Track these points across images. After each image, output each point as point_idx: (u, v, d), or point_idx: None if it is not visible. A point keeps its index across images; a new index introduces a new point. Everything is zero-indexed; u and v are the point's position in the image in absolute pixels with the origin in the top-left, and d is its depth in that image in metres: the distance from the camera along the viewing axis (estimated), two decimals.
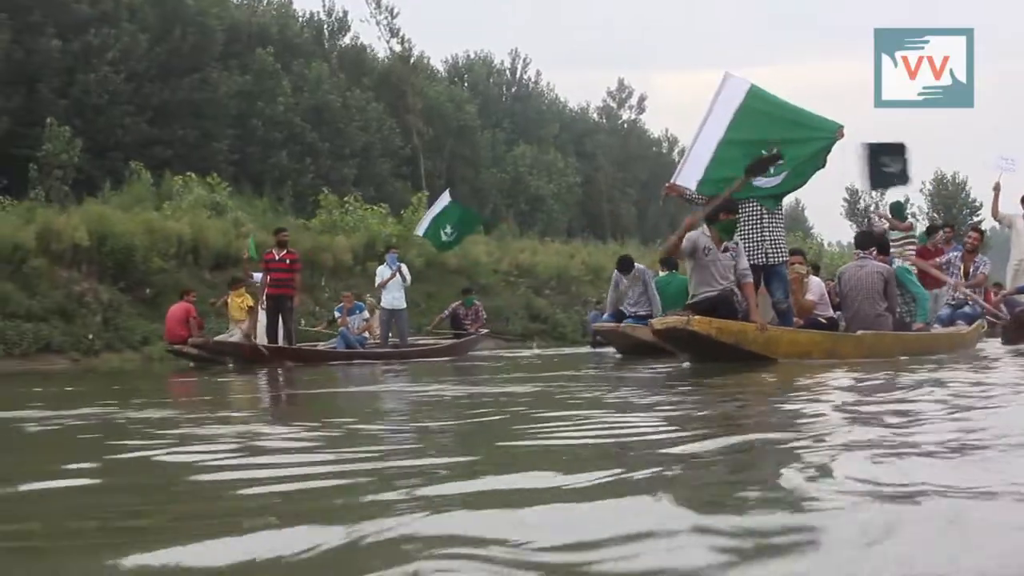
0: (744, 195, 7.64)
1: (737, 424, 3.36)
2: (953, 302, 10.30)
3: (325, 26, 40.77)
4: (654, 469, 2.15)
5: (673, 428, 3.14)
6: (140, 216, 18.32)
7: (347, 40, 41.16)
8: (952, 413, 3.21)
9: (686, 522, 1.50)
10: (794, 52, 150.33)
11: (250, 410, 5.31)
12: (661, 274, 11.71)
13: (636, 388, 5.44)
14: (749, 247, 7.62)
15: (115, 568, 1.37)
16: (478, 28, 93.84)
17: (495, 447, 2.73)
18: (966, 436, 2.59)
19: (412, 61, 39.51)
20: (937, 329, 9.39)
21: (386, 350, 13.25)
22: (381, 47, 40.98)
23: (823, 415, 3.47)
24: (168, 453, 2.78)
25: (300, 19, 39.48)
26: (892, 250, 9.86)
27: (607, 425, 3.26)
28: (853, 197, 45.42)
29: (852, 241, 10.62)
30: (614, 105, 54.05)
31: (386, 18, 38.93)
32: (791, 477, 1.98)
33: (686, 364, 7.30)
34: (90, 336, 15.53)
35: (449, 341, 14.71)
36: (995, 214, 11.58)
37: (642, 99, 54.39)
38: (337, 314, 14.46)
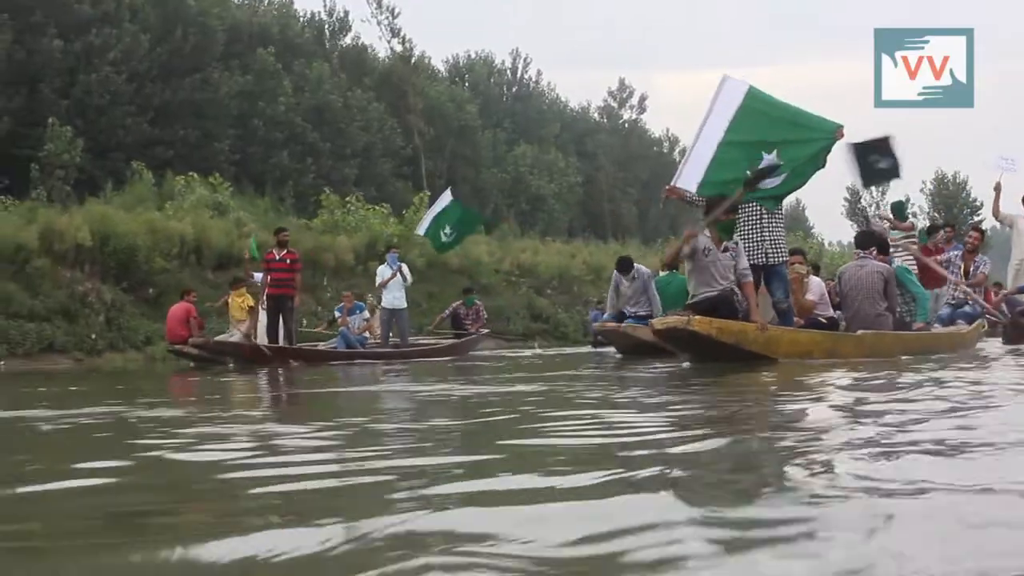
0: (745, 197, 7.65)
1: (738, 423, 3.38)
2: (953, 301, 10.31)
3: (326, 26, 40.78)
4: (656, 468, 2.17)
5: (674, 427, 3.16)
6: (142, 216, 18.35)
7: (348, 40, 41.19)
8: (952, 412, 3.22)
9: (688, 521, 1.52)
10: (795, 52, 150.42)
11: (257, 409, 5.33)
12: (661, 274, 11.72)
13: (637, 388, 5.46)
14: (749, 247, 7.62)
15: (118, 568, 1.39)
16: (479, 28, 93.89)
17: (503, 446, 2.74)
18: (966, 435, 2.61)
19: (413, 61, 39.49)
20: (937, 329, 9.40)
21: (387, 350, 13.26)
22: (382, 47, 41.02)
23: (824, 414, 3.50)
24: (181, 451, 2.80)
25: (301, 19, 39.48)
26: (893, 249, 9.88)
27: (609, 424, 3.29)
28: (854, 197, 45.38)
29: (852, 241, 10.63)
30: (615, 105, 54.03)
31: (387, 18, 38.95)
32: (792, 476, 2.01)
33: (686, 364, 7.30)
34: (93, 336, 15.56)
35: (449, 341, 14.71)
36: (996, 214, 11.58)
37: (643, 99, 54.41)
38: (337, 314, 14.47)
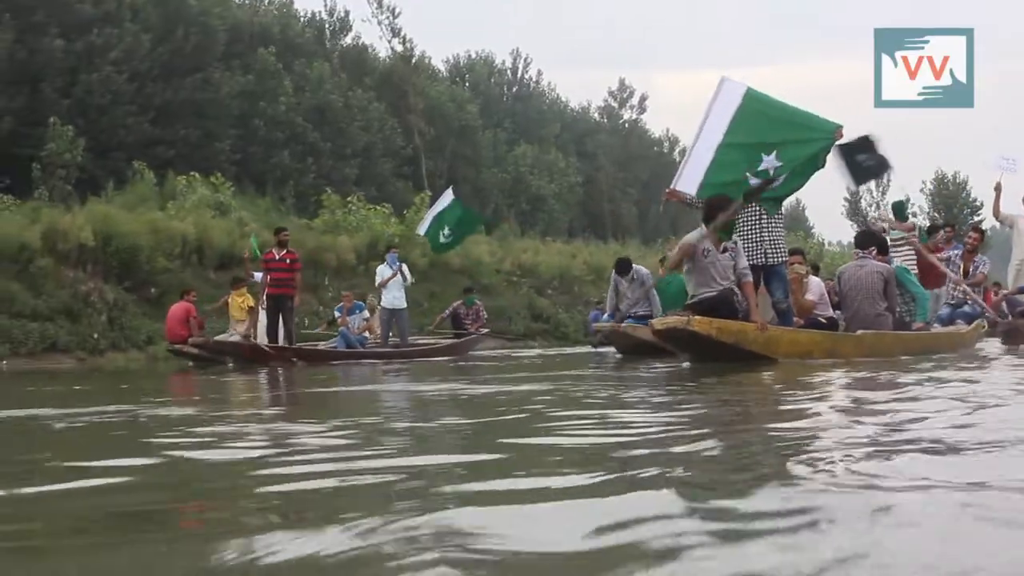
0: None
1: (738, 423, 3.41)
2: (952, 301, 10.33)
3: (327, 26, 40.82)
4: (657, 467, 2.19)
5: (674, 427, 3.18)
6: (145, 216, 18.39)
7: (349, 40, 41.24)
8: (951, 412, 3.23)
9: (688, 518, 1.55)
10: (795, 52, 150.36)
11: (266, 408, 5.34)
12: (661, 273, 11.73)
13: (637, 388, 5.47)
14: (748, 247, 7.61)
15: (139, 566, 1.40)
16: (479, 28, 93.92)
17: (514, 445, 2.74)
18: (965, 434, 2.62)
19: (413, 61, 39.51)
20: (937, 329, 9.42)
21: (387, 350, 13.29)
22: (383, 47, 41.06)
23: (823, 414, 3.52)
24: (197, 450, 2.81)
25: (302, 19, 39.52)
26: (894, 249, 9.90)
27: (611, 424, 3.31)
28: (854, 197, 45.41)
29: (852, 241, 10.65)
30: (615, 105, 54.05)
31: (387, 18, 38.97)
32: (792, 475, 2.03)
33: (685, 364, 7.30)
34: (95, 336, 15.60)
35: (449, 341, 14.73)
36: (996, 214, 11.59)
37: (643, 99, 54.43)
38: (337, 314, 14.48)
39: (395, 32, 39.08)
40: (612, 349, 11.60)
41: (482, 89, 46.51)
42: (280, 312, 12.44)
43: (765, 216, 7.80)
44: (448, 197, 14.89)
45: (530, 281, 25.49)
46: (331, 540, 1.44)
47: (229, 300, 13.66)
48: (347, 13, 41.09)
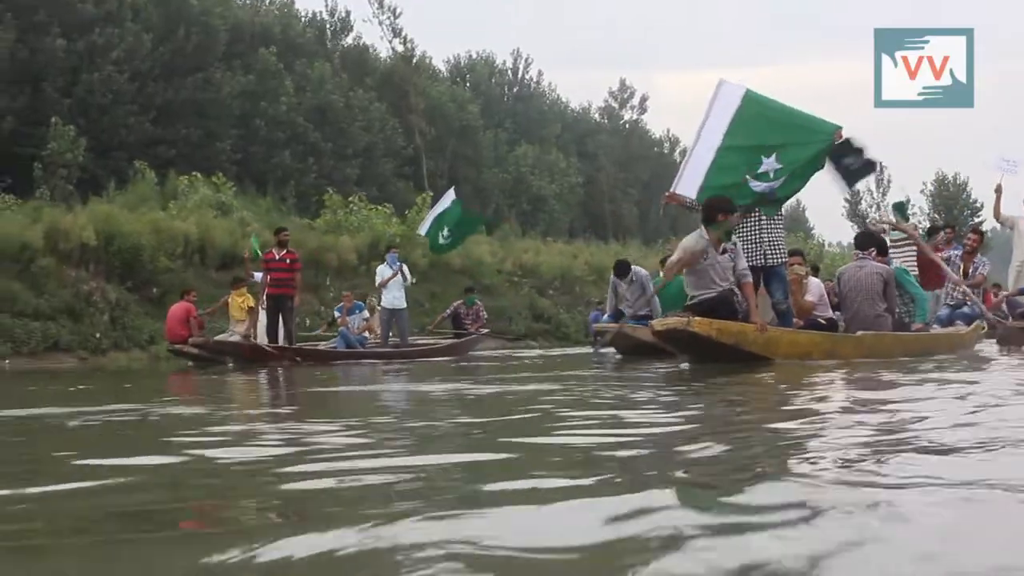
0: (745, 202, 7.67)
1: (738, 423, 3.43)
2: (952, 302, 10.35)
3: (328, 26, 40.87)
4: (660, 466, 2.23)
5: (676, 427, 3.20)
6: (147, 216, 18.43)
7: (350, 40, 41.30)
8: (950, 412, 3.23)
9: (688, 516, 1.58)
10: (796, 52, 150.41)
11: (275, 407, 5.34)
12: (661, 275, 11.75)
13: (638, 389, 5.48)
14: (748, 249, 7.60)
15: (142, 568, 1.42)
16: (480, 28, 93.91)
17: (519, 444, 2.76)
18: (964, 434, 2.64)
19: (414, 61, 39.54)
20: (936, 330, 9.44)
21: (387, 350, 13.30)
22: (383, 47, 41.09)
23: (823, 414, 3.54)
24: (215, 448, 2.83)
25: (303, 19, 39.56)
26: (891, 251, 9.92)
27: (613, 424, 3.35)
28: (854, 198, 45.43)
29: (852, 242, 10.66)
30: (616, 105, 54.08)
31: (388, 18, 38.99)
32: (792, 474, 2.06)
33: (684, 365, 7.31)
34: (97, 335, 15.63)
35: (449, 341, 14.75)
36: (997, 215, 11.61)
37: (644, 99, 54.48)
38: (337, 314, 14.50)
39: (396, 32, 39.16)
40: (612, 349, 11.61)
41: (483, 89, 46.53)
42: (280, 312, 12.44)
43: (764, 218, 7.79)
44: (449, 198, 14.89)
45: (531, 281, 25.52)
46: (337, 539, 1.44)
47: (229, 300, 13.68)
48: (348, 13, 41.21)
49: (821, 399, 4.30)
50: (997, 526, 1.54)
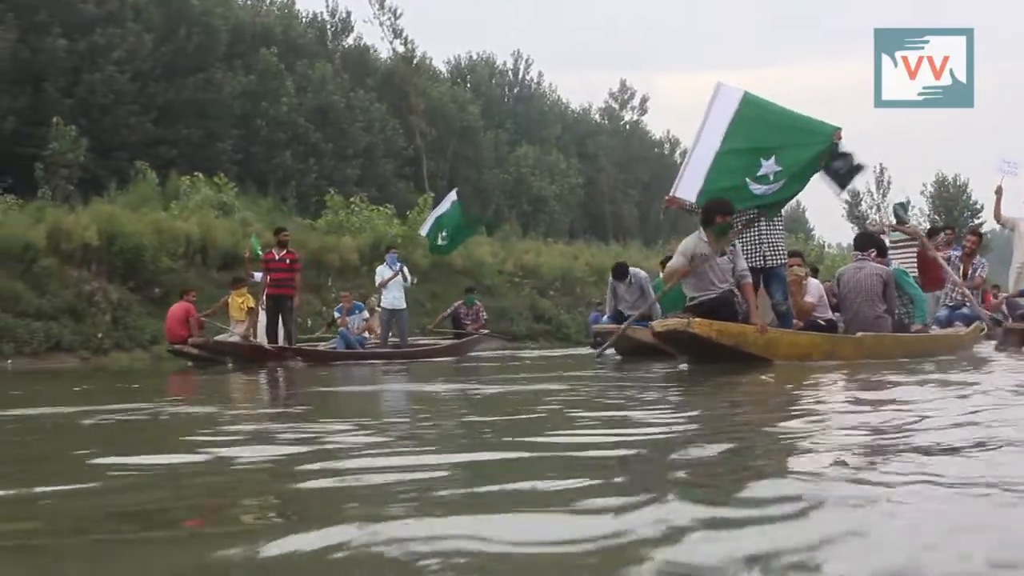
0: (745, 204, 7.68)
1: (737, 423, 3.46)
2: (951, 303, 10.37)
3: (328, 26, 40.91)
4: (661, 464, 2.26)
5: (676, 427, 3.23)
6: (149, 216, 18.46)
7: (350, 41, 41.35)
8: (949, 412, 3.25)
9: (688, 515, 1.61)
10: (796, 53, 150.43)
11: (282, 408, 5.34)
12: (661, 275, 11.76)
13: (638, 389, 5.51)
14: (747, 250, 7.61)
15: (136, 568, 1.43)
16: (481, 29, 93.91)
17: (525, 444, 2.77)
18: (963, 434, 2.66)
19: (415, 62, 39.57)
20: (935, 331, 9.46)
21: (387, 350, 13.32)
22: (384, 48, 41.12)
23: (822, 415, 3.57)
24: (232, 447, 2.86)
25: (303, 19, 39.61)
26: (891, 252, 9.94)
27: (614, 424, 3.39)
28: (854, 199, 45.46)
29: (852, 243, 10.68)
30: (616, 106, 54.12)
31: (389, 19, 39.01)
32: (794, 474, 2.09)
33: (683, 366, 7.30)
34: (99, 335, 15.66)
35: (449, 341, 14.78)
36: (997, 217, 11.62)
37: (644, 100, 54.52)
38: (337, 315, 14.52)
39: (397, 33, 39.18)
40: (611, 350, 11.61)
41: (483, 90, 46.56)
42: (280, 312, 12.46)
43: (764, 219, 7.82)
44: (450, 199, 14.93)
45: (532, 282, 25.55)
46: (346, 538, 1.45)
47: (229, 300, 13.71)
48: (349, 14, 41.25)
49: (821, 400, 4.33)
50: (998, 522, 1.57)
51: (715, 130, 7.93)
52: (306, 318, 16.20)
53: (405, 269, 13.96)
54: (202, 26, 30.74)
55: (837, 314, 8.53)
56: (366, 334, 14.19)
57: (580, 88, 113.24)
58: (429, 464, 2.35)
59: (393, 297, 13.59)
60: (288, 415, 4.62)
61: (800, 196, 9.12)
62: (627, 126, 53.73)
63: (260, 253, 13.39)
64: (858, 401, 4.07)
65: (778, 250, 7.85)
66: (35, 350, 14.72)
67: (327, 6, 41.50)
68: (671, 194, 8.22)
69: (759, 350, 6.99)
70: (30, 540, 1.62)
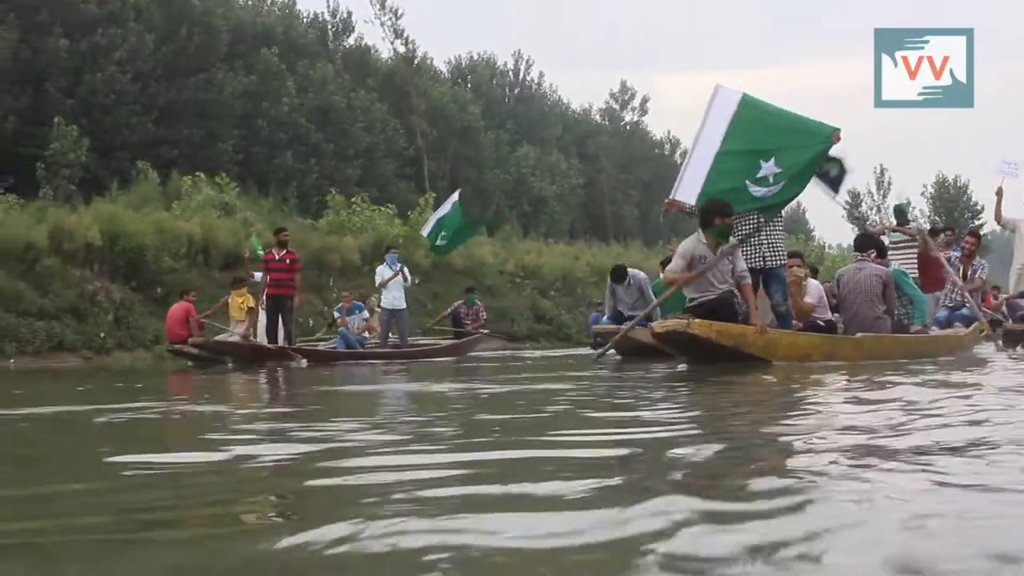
0: (745, 207, 7.70)
1: (736, 423, 3.50)
2: (950, 304, 10.39)
3: (329, 27, 40.96)
4: (657, 466, 2.29)
5: (676, 427, 3.27)
6: (151, 216, 18.50)
7: (351, 41, 41.40)
8: (948, 413, 3.29)
9: (690, 507, 1.65)
10: (797, 53, 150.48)
11: (292, 408, 5.35)
12: (661, 276, 11.78)
13: (637, 390, 5.53)
14: (747, 251, 7.61)
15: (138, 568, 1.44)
16: (482, 29, 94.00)
17: (531, 442, 2.82)
18: (964, 435, 2.69)
19: (416, 62, 39.61)
20: (935, 331, 9.48)
21: (387, 350, 13.34)
22: (385, 48, 41.18)
23: (821, 415, 3.61)
24: (250, 446, 2.89)
25: (304, 20, 39.64)
26: (891, 253, 9.97)
27: (614, 423, 3.42)
28: (854, 200, 45.49)
29: (852, 244, 10.70)
30: (617, 107, 54.15)
31: (390, 19, 39.07)
32: (793, 474, 2.12)
33: (681, 366, 7.30)
34: (102, 335, 15.69)
35: (449, 341, 14.82)
36: (998, 218, 11.64)
37: (645, 101, 54.60)
38: (337, 315, 14.55)
39: (398, 33, 39.23)
40: (611, 351, 11.63)
41: (484, 90, 46.59)
42: (280, 312, 12.48)
43: (763, 220, 7.83)
44: (452, 201, 14.98)
45: (533, 282, 25.58)
46: (355, 536, 1.47)
47: (229, 300, 13.73)
48: (350, 14, 41.31)
49: (820, 400, 4.36)
50: (998, 518, 1.60)
51: (714, 132, 7.94)
52: (307, 318, 16.22)
53: (405, 269, 13.99)
54: (203, 26, 30.78)
55: (836, 315, 8.55)
56: (366, 334, 14.22)
57: (581, 88, 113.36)
58: (442, 463, 2.37)
59: (393, 297, 13.62)
60: (298, 414, 4.64)
61: (800, 197, 9.13)
62: (627, 126, 53.75)
63: (260, 253, 13.42)
64: (858, 401, 4.10)
65: (777, 251, 7.84)
66: (37, 349, 14.76)
67: (328, 6, 41.66)
68: (671, 197, 8.24)
69: (759, 351, 7.00)
70: (39, 538, 1.64)
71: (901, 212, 12.85)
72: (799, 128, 8.01)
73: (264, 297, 12.75)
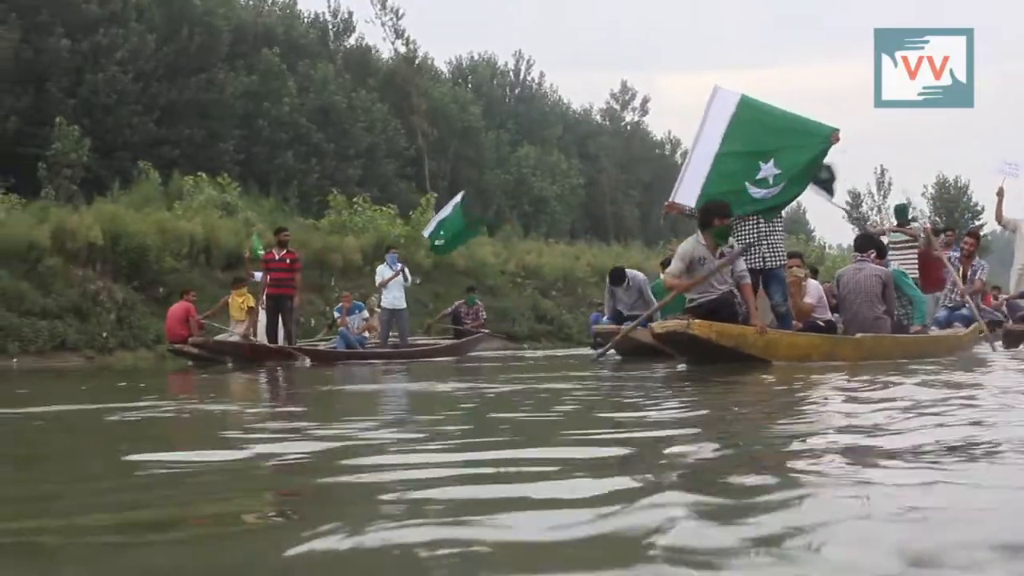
0: (745, 210, 7.72)
1: (736, 424, 3.53)
2: (950, 304, 10.42)
3: (330, 27, 40.98)
4: (657, 467, 2.32)
5: (677, 427, 3.30)
6: (153, 216, 18.53)
7: (352, 41, 41.42)
8: (949, 413, 3.32)
9: (689, 504, 1.68)
10: (799, 54, 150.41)
11: (302, 407, 5.35)
12: (662, 276, 11.81)
13: (637, 390, 5.56)
14: (747, 252, 7.66)
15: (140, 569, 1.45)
16: (482, 30, 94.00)
17: (536, 441, 2.86)
18: (963, 434, 2.71)
19: (417, 62, 39.63)
20: (934, 332, 9.51)
21: (388, 350, 13.36)
22: (386, 48, 41.21)
23: (822, 415, 3.64)
24: (267, 444, 2.90)
25: (305, 20, 39.66)
26: (891, 253, 9.99)
27: (614, 424, 3.45)
28: (855, 201, 45.51)
29: (852, 244, 10.72)
30: (617, 107, 54.16)
31: (391, 19, 39.07)
32: (794, 472, 2.15)
33: (681, 367, 7.32)
34: (104, 334, 15.71)
35: (449, 341, 14.86)
36: (999, 218, 11.66)
37: (645, 101, 54.63)
38: (337, 315, 14.57)
39: (398, 33, 39.25)
40: (611, 351, 11.65)
41: (485, 91, 46.60)
42: (280, 312, 12.49)
43: (763, 221, 7.83)
44: (453, 203, 15.02)
45: (534, 282, 25.61)
46: (357, 538, 1.47)
47: (229, 300, 13.75)
48: (351, 14, 41.33)
49: (820, 400, 4.38)
50: (999, 512, 1.63)
51: (713, 133, 7.96)
52: (309, 318, 16.24)
53: (406, 269, 14.02)
54: (204, 26, 30.81)
55: (836, 315, 8.57)
56: (366, 334, 14.24)
57: (582, 88, 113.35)
58: (456, 461, 2.40)
59: (393, 297, 13.65)
60: (303, 414, 4.65)
61: (801, 197, 9.15)
62: (628, 127, 53.76)
63: (261, 252, 13.43)
64: (857, 401, 4.12)
65: (777, 251, 7.86)
66: (40, 349, 14.78)
67: (329, 6, 41.63)
68: (670, 199, 8.26)
69: (759, 351, 7.02)
70: (41, 538, 1.66)
71: (902, 212, 12.85)
72: (798, 128, 8.02)
73: (264, 297, 12.77)
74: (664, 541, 1.40)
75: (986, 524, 1.52)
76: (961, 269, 10.72)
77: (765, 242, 7.78)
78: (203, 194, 22.11)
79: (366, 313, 14.46)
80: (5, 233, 15.71)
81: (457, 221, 14.74)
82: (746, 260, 7.54)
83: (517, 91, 50.43)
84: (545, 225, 39.57)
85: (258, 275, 13.19)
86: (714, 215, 7.23)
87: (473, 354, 14.30)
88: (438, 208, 18.51)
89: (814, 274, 10.56)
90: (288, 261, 12.54)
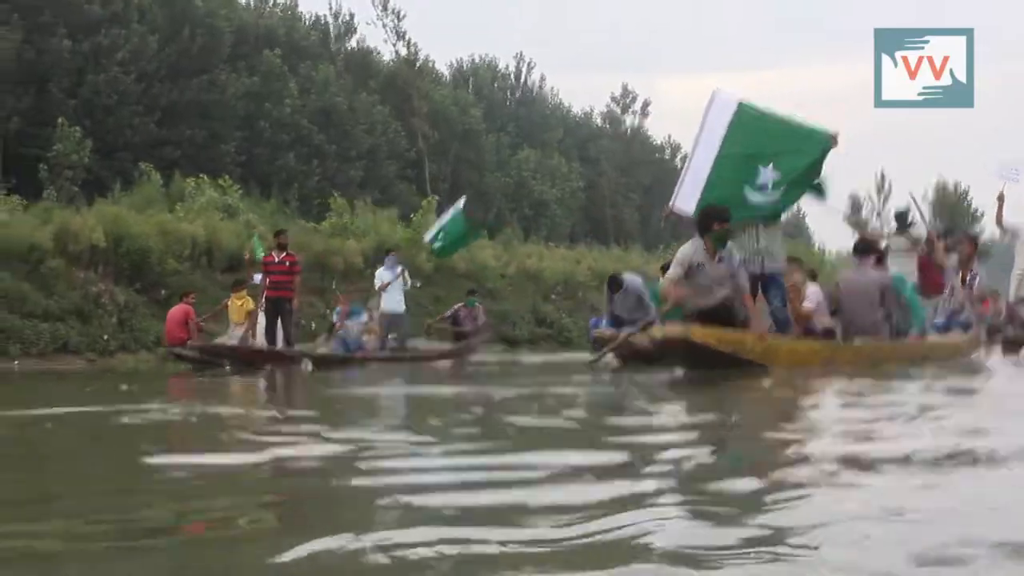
0: (746, 215, 7.74)
1: (735, 429, 3.56)
2: (950, 309, 10.43)
3: (331, 29, 40.98)
4: (657, 469, 2.36)
5: (676, 431, 3.34)
6: (155, 218, 18.50)
7: (353, 43, 41.37)
8: (947, 418, 3.37)
9: (690, 502, 1.72)
10: (800, 55, 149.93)
11: (319, 410, 5.34)
12: (661, 280, 11.82)
13: (636, 395, 5.59)
14: (745, 256, 7.65)
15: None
16: (483, 32, 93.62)
17: (532, 440, 2.89)
18: (962, 438, 2.74)
19: (418, 65, 39.63)
20: (933, 337, 9.53)
21: (387, 354, 13.35)
22: (387, 50, 41.12)
23: (821, 420, 3.68)
24: (285, 447, 2.94)
25: (307, 21, 39.66)
26: (890, 258, 10.01)
27: (613, 427, 3.48)
28: (855, 205, 45.53)
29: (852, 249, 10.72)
30: (618, 110, 54.16)
31: (392, 21, 39.03)
32: (790, 477, 2.19)
33: (679, 372, 7.30)
34: (106, 337, 15.69)
35: (449, 345, 14.87)
36: (999, 223, 11.68)
37: (646, 104, 54.52)
38: (335, 318, 14.56)
39: (400, 35, 39.20)
40: (609, 356, 11.66)
41: (485, 93, 46.58)
42: (279, 315, 12.48)
43: (762, 225, 7.85)
44: (455, 207, 15.04)
45: (535, 286, 25.60)
46: (358, 540, 1.50)
47: (229, 303, 13.74)
48: (352, 16, 41.26)
49: (820, 405, 4.42)
50: (998, 512, 1.68)
51: (712, 138, 7.97)
52: (309, 321, 16.24)
53: (406, 272, 14.03)
54: (206, 28, 30.81)
55: (835, 318, 8.58)
56: (365, 337, 14.25)
57: (582, 91, 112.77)
58: (469, 464, 2.44)
59: (393, 300, 13.65)
60: (305, 418, 4.67)
61: (800, 202, 9.17)
62: (628, 130, 53.76)
63: (261, 255, 13.44)
64: (856, 406, 4.15)
65: (776, 256, 7.89)
66: (42, 351, 14.76)
67: (330, 8, 41.58)
68: (670, 205, 8.28)
69: (758, 357, 7.01)
70: (43, 543, 1.68)
71: (902, 217, 12.84)
72: (797, 132, 8.03)
73: (263, 300, 12.77)
74: (664, 543, 1.43)
75: (985, 526, 1.56)
76: (960, 274, 10.74)
77: (764, 247, 7.79)
78: (204, 196, 22.10)
79: (364, 316, 14.45)
80: (7, 235, 15.70)
81: (458, 225, 14.77)
82: (744, 265, 7.54)
83: (518, 94, 50.41)
84: (545, 228, 39.55)
85: (257, 278, 13.18)
86: (713, 219, 7.19)
87: (473, 358, 14.30)
88: (439, 211, 18.52)
89: (813, 279, 10.57)
90: (287, 264, 12.54)
